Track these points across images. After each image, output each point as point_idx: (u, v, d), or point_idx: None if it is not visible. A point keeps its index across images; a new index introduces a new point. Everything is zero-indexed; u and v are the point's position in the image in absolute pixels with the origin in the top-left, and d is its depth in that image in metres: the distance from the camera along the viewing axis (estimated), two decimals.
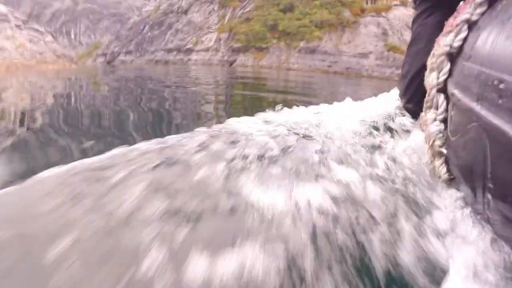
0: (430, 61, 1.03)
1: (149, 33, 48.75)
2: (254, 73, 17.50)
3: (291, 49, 38.24)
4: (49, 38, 23.24)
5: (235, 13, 44.88)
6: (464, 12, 0.89)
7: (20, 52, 19.49)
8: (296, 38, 38.45)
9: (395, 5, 42.41)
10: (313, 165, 1.17)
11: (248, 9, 44.26)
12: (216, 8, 46.22)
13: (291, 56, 37.79)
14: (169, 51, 45.36)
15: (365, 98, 2.76)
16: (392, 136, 1.52)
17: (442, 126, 0.97)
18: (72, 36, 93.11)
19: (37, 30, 22.40)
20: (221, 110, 4.66)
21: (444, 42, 0.93)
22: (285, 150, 1.31)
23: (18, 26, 20.55)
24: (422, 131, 1.08)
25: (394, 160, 1.25)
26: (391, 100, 2.11)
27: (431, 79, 1.00)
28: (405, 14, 41.63)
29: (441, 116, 0.98)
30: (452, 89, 0.89)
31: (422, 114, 1.08)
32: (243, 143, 1.34)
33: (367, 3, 43.48)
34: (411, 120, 1.63)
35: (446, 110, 0.96)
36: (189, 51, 43.81)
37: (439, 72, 0.97)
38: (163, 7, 49.24)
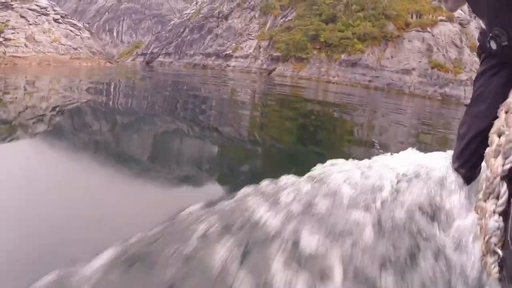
0: (497, 142, 0.96)
1: (188, 36, 49.28)
2: (295, 87, 17.09)
3: (332, 61, 37.58)
4: (86, 34, 23.48)
5: (276, 21, 44.65)
6: None
7: (54, 46, 19.78)
8: (337, 50, 37.76)
9: (441, 20, 40.95)
10: None
11: (289, 17, 43.92)
12: (257, 15, 46.17)
13: (332, 68, 37.12)
14: (208, 55, 45.66)
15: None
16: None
17: (501, 222, 0.90)
18: (115, 34, 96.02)
19: (74, 25, 22.55)
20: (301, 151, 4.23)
21: None
22: None
23: (56, 20, 20.89)
24: (477, 216, 1.01)
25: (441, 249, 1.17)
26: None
27: (496, 165, 0.92)
28: (451, 30, 40.21)
29: (501, 208, 0.90)
30: None
31: (480, 197, 0.99)
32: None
33: (412, 17, 42.21)
34: (464, 186, 1.52)
35: (508, 202, 0.89)
36: (228, 57, 43.92)
37: (505, 158, 0.90)
38: (203, 11, 49.68)
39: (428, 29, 40.21)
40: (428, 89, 37.31)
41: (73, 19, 23.87)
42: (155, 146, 3.88)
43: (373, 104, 12.08)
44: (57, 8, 23.17)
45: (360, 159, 1.88)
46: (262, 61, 41.22)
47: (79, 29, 22.76)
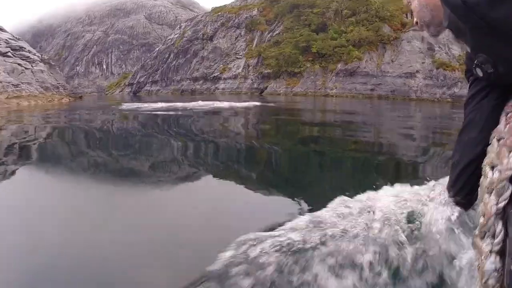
0: (490, 177, 0.99)
1: (174, 62, 46.84)
2: (290, 109, 14.12)
3: (328, 72, 34.63)
4: (39, 67, 20.05)
5: (263, 37, 42.08)
6: None
7: None
8: (332, 60, 34.87)
9: None
10: None
11: (277, 31, 41.35)
12: (243, 32, 43.68)
13: (328, 80, 34.14)
14: (195, 80, 43.05)
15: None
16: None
17: (498, 263, 0.91)
18: (104, 67, 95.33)
19: (27, 58, 19.40)
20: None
21: (508, 164, 0.91)
22: None
23: (4, 54, 17.79)
24: (475, 252, 1.04)
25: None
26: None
27: (490, 204, 0.95)
28: None
29: (497, 247, 0.92)
30: None
31: (476, 233, 1.01)
32: None
33: (407, 16, 39.40)
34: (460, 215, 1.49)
35: (504, 241, 0.90)
36: (216, 79, 41.23)
37: (498, 197, 0.92)
38: (187, 34, 47.35)
39: None
40: (436, 91, 34.32)
41: (28, 51, 20.65)
42: None
43: (378, 120, 10.14)
44: (11, 40, 20.26)
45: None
46: (252, 80, 38.41)
47: (32, 62, 19.58)
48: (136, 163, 4.15)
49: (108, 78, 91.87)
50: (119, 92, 59.08)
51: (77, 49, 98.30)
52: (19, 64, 18.40)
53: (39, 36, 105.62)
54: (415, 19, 1.33)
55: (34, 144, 5.25)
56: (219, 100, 17.13)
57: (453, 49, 36.81)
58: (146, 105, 13.69)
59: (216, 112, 11.65)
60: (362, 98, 28.92)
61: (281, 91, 34.63)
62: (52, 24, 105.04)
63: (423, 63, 35.53)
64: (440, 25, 1.32)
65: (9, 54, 18.58)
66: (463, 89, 32.44)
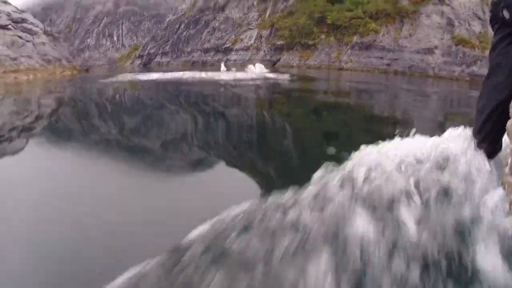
0: None
1: (184, 33, 45.87)
2: (305, 79, 13.50)
3: (343, 45, 33.47)
4: (41, 39, 19.24)
5: (276, 7, 40.69)
6: None
7: None
8: (348, 32, 33.62)
9: None
10: None
11: (290, 1, 39.91)
12: (255, 2, 42.30)
13: (343, 53, 33.03)
14: (206, 51, 42.17)
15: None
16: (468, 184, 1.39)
17: None
18: (115, 38, 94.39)
19: (29, 30, 18.64)
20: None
21: None
22: None
23: (4, 27, 17.10)
24: (506, 188, 1.05)
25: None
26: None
27: None
28: (471, 1, 35.66)
29: None
30: None
31: (507, 171, 1.00)
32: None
33: None
34: (486, 161, 1.50)
35: None
36: (228, 50, 40.30)
37: None
38: (198, 4, 46.08)
39: (447, 1, 35.70)
40: (455, 69, 33.00)
41: (31, 23, 19.93)
42: None
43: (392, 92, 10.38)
44: (14, 13, 19.62)
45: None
46: (264, 51, 37.41)
47: (34, 34, 18.91)
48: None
49: (119, 50, 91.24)
50: (130, 63, 58.65)
51: (87, 21, 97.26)
52: (19, 37, 17.90)
53: (49, 9, 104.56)
54: None
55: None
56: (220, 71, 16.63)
57: (474, 26, 35.21)
58: (141, 76, 13.62)
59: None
60: (378, 73, 28.03)
61: (294, 64, 33.74)
62: None
63: (441, 39, 34.10)
64: None
65: (10, 26, 18.08)
66: (482, 68, 31.18)
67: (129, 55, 70.27)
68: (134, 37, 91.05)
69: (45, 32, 20.39)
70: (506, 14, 1.17)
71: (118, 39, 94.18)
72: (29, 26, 19.09)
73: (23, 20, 19.21)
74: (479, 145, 1.50)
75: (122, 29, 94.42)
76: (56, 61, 19.25)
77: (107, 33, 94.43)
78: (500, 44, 1.43)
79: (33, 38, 18.58)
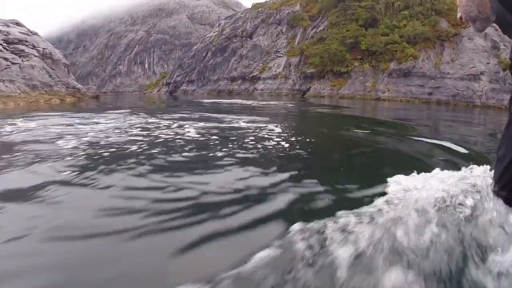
0: None
1: (211, 60, 45.14)
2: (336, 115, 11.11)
3: (379, 73, 31.17)
4: (32, 62, 17.50)
5: (306, 33, 39.21)
6: None
7: None
8: (383, 58, 31.35)
9: None
10: None
11: (321, 27, 38.33)
12: (284, 29, 41.05)
13: (379, 81, 30.68)
14: (233, 79, 41.01)
15: None
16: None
17: None
18: (146, 66, 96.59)
19: (21, 52, 17.10)
20: None
21: None
22: None
23: None
24: None
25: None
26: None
27: None
28: None
29: None
30: None
31: None
32: None
33: None
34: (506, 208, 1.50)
35: None
36: (255, 79, 38.90)
37: None
38: (226, 32, 45.40)
39: None
40: (504, 97, 29.87)
41: (26, 44, 18.39)
42: None
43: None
44: (20, 33, 18.46)
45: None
46: (293, 80, 35.66)
47: (25, 56, 17.46)
48: None
49: (150, 77, 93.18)
50: (157, 91, 58.72)
51: (119, 49, 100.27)
52: (4, 59, 16.43)
53: (83, 35, 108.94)
54: (459, 14, 1.27)
55: None
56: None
57: None
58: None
59: None
60: (419, 103, 25.42)
61: (325, 93, 31.63)
62: (95, 24, 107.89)
63: (487, 63, 31.11)
64: (486, 20, 1.29)
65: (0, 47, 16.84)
66: None
67: (157, 83, 71.03)
68: (165, 65, 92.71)
69: (43, 55, 18.98)
70: None
71: (149, 67, 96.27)
72: (22, 47, 17.69)
73: (20, 42, 17.96)
74: (497, 193, 1.50)
75: (153, 57, 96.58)
76: (45, 87, 17.67)
77: (138, 61, 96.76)
78: None
79: (21, 60, 17.19)
